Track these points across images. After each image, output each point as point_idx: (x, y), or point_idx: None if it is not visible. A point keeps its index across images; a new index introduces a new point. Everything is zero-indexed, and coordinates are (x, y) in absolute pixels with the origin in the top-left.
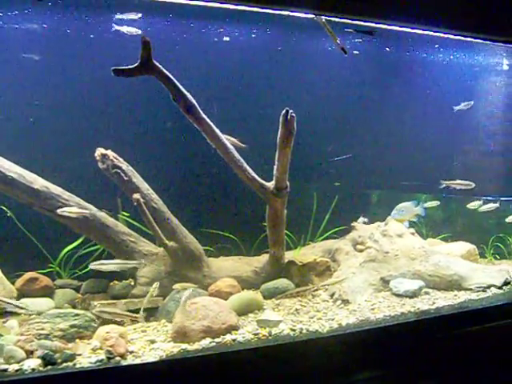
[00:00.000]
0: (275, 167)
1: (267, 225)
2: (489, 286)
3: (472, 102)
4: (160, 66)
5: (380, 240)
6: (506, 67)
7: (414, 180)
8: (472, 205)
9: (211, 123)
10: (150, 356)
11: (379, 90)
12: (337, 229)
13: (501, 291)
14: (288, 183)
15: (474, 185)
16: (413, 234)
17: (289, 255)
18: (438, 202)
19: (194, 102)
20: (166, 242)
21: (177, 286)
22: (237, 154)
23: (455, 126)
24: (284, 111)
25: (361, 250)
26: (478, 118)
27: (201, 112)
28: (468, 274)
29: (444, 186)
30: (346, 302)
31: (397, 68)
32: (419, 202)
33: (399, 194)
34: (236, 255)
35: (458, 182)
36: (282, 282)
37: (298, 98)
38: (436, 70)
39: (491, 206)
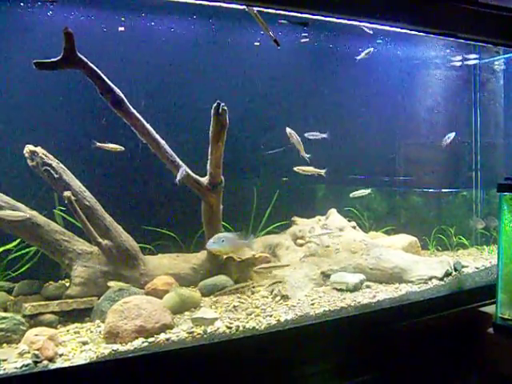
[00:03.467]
0: (208, 162)
1: (203, 221)
2: (430, 278)
3: (453, 134)
4: (85, 60)
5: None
6: (445, 60)
7: (358, 174)
8: (354, 193)
9: (141, 118)
10: (81, 358)
11: (318, 83)
12: (278, 223)
13: (442, 282)
14: (223, 178)
15: (323, 171)
16: (354, 227)
17: None
18: (368, 191)
19: (122, 96)
20: (100, 240)
21: (111, 283)
22: (169, 150)
23: (396, 119)
24: (215, 104)
25: (301, 245)
26: (419, 111)
27: (130, 107)
28: (409, 267)
29: (300, 172)
30: (285, 297)
31: (337, 61)
32: (251, 235)
33: (343, 188)
34: (175, 252)
35: (310, 168)
36: (221, 279)
37: (234, 91)
38: (377, 63)
39: (363, 191)
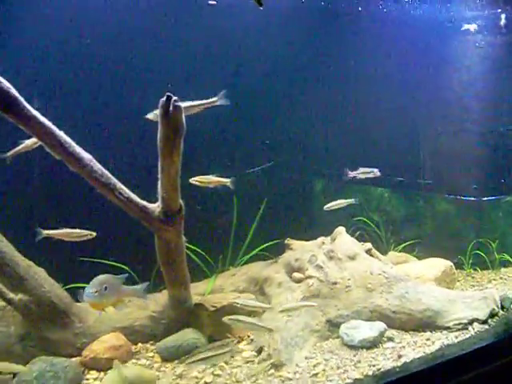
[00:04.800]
0: (159, 183)
1: (159, 261)
2: (471, 322)
3: (377, 172)
4: None
5: (325, 265)
6: (488, 22)
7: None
8: (330, 206)
9: (48, 123)
10: None
11: (323, 54)
12: (265, 245)
13: (486, 326)
14: (182, 203)
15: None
16: (369, 250)
17: (200, 289)
18: (350, 201)
19: (16, 95)
20: (11, 295)
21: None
22: (98, 167)
23: (420, 100)
24: (163, 99)
25: (299, 280)
26: (451, 91)
27: (29, 109)
28: (444, 308)
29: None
30: (277, 365)
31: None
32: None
33: (349, 186)
34: None
35: (213, 178)
36: (188, 337)
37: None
38: (395, 26)
39: (340, 202)
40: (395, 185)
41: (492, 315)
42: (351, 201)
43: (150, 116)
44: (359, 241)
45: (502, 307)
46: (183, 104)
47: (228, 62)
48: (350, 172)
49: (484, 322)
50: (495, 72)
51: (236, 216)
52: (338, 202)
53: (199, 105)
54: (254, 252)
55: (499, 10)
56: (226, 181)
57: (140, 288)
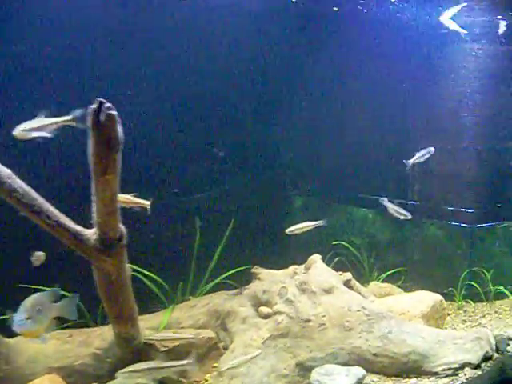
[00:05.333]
0: (94, 207)
1: (100, 294)
2: (462, 366)
3: (432, 150)
4: None
5: (296, 299)
6: (486, 29)
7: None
8: (292, 229)
9: None
10: None
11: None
12: (230, 272)
13: (478, 372)
14: (123, 230)
15: (148, 203)
16: (348, 282)
17: (155, 322)
18: (320, 223)
19: None
20: None
21: None
22: (19, 185)
23: (411, 113)
24: (93, 106)
25: (266, 316)
26: (445, 103)
27: None
28: (432, 350)
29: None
30: None
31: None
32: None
33: (331, 205)
34: (69, 326)
35: (129, 198)
36: (132, 381)
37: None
38: (385, 31)
39: (307, 225)
40: (380, 206)
41: (486, 359)
42: (319, 223)
43: (15, 132)
44: (339, 268)
45: (497, 349)
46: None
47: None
48: (408, 161)
49: (477, 366)
50: (493, 83)
51: (199, 239)
52: (304, 224)
53: (52, 123)
54: (217, 280)
55: (499, 17)
56: (145, 203)
57: (69, 301)
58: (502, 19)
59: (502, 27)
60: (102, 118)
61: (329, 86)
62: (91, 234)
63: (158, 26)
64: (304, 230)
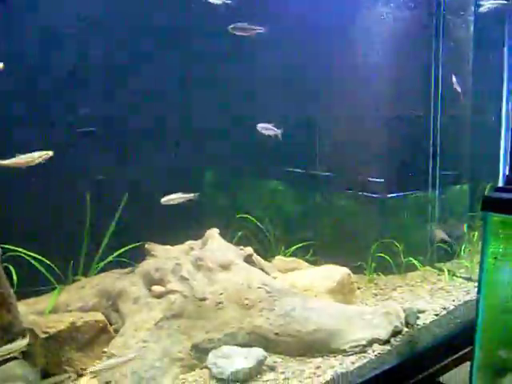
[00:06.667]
0: None
1: None
2: (370, 343)
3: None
4: None
5: (192, 276)
6: None
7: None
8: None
9: None
10: None
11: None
12: (123, 249)
13: (388, 347)
14: None
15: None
16: (249, 257)
17: (41, 306)
18: (191, 196)
19: None
20: None
21: None
22: None
23: (316, 80)
24: None
25: (160, 295)
26: (352, 69)
27: None
28: (339, 327)
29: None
30: None
31: None
32: None
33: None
34: None
35: (179, 195)
36: (13, 373)
37: None
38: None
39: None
40: (291, 177)
41: (395, 333)
42: (191, 196)
43: None
44: (243, 243)
45: (407, 324)
46: None
47: None
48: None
49: (386, 342)
50: (401, 49)
51: (90, 215)
52: (178, 195)
53: None
54: (110, 258)
55: None
56: None
57: None
58: None
59: None
60: None
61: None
62: None
63: None
64: (177, 201)
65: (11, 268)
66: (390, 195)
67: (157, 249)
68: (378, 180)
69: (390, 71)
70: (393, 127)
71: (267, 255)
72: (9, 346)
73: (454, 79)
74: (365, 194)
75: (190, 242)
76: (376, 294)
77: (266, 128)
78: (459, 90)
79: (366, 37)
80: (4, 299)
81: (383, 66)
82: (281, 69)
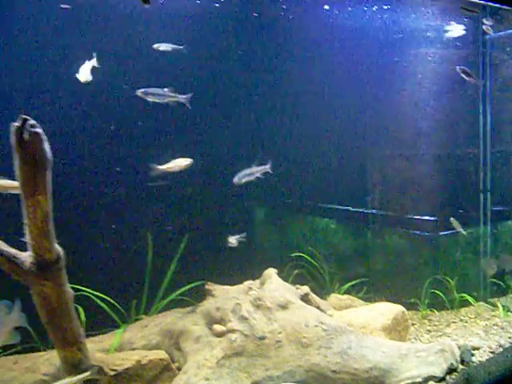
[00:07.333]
0: (25, 228)
1: (41, 319)
2: (426, 380)
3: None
4: None
5: (251, 316)
6: (441, 34)
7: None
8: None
9: None
10: None
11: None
12: (183, 289)
13: None
14: (60, 251)
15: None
16: (306, 296)
17: (106, 344)
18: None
19: None
20: None
21: None
22: None
23: (367, 120)
24: (16, 124)
25: (220, 334)
26: (403, 108)
27: None
28: (394, 365)
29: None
30: None
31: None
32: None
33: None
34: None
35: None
36: None
37: None
38: (338, 36)
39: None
40: (342, 215)
41: (450, 371)
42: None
43: None
44: (299, 280)
45: (462, 361)
46: None
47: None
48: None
49: (441, 379)
50: (449, 88)
51: (152, 255)
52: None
53: None
54: (171, 297)
55: (452, 22)
56: None
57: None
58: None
59: (458, 31)
60: (26, 136)
61: (278, 97)
62: (26, 256)
63: None
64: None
65: (79, 308)
66: (442, 233)
67: (216, 289)
68: (429, 218)
69: (440, 110)
70: (443, 165)
71: (322, 292)
72: (72, 379)
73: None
74: (417, 232)
75: (248, 282)
76: (430, 331)
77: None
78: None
79: (414, 77)
80: (75, 338)
81: (432, 104)
82: (341, 116)
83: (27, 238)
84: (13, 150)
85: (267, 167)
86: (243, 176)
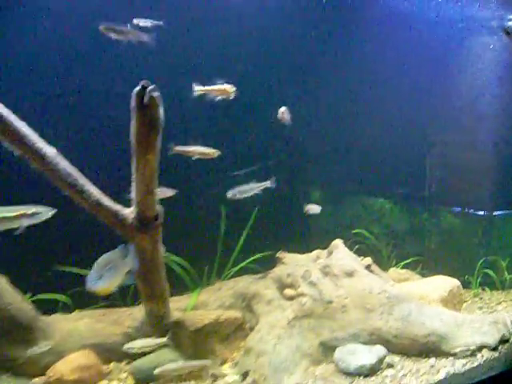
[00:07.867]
0: (133, 185)
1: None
2: (479, 348)
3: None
4: None
5: (320, 282)
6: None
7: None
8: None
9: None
10: None
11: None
12: (255, 257)
13: (495, 354)
14: (160, 209)
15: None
16: (369, 266)
17: (182, 304)
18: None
19: None
20: None
21: None
22: (64, 165)
23: (427, 106)
24: (138, 88)
25: (291, 298)
26: (461, 96)
27: None
28: (451, 332)
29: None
30: None
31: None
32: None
33: (348, 197)
34: (101, 306)
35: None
36: (165, 358)
37: None
38: (400, 25)
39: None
40: (397, 196)
41: (503, 341)
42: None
43: None
44: (358, 255)
45: None
46: None
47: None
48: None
49: (494, 348)
50: (510, 76)
51: (224, 225)
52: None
53: None
54: (242, 264)
55: None
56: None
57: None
58: None
59: None
60: (146, 99)
61: (344, 80)
62: (129, 212)
63: None
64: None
65: None
66: (496, 213)
67: (287, 256)
68: (484, 198)
69: (501, 99)
70: (500, 149)
71: (380, 268)
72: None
73: None
74: (471, 211)
75: (317, 251)
76: (481, 307)
77: None
78: None
79: (478, 65)
80: (162, 294)
81: (495, 93)
82: (402, 101)
83: (133, 195)
84: (132, 112)
85: (267, 183)
86: (238, 192)
